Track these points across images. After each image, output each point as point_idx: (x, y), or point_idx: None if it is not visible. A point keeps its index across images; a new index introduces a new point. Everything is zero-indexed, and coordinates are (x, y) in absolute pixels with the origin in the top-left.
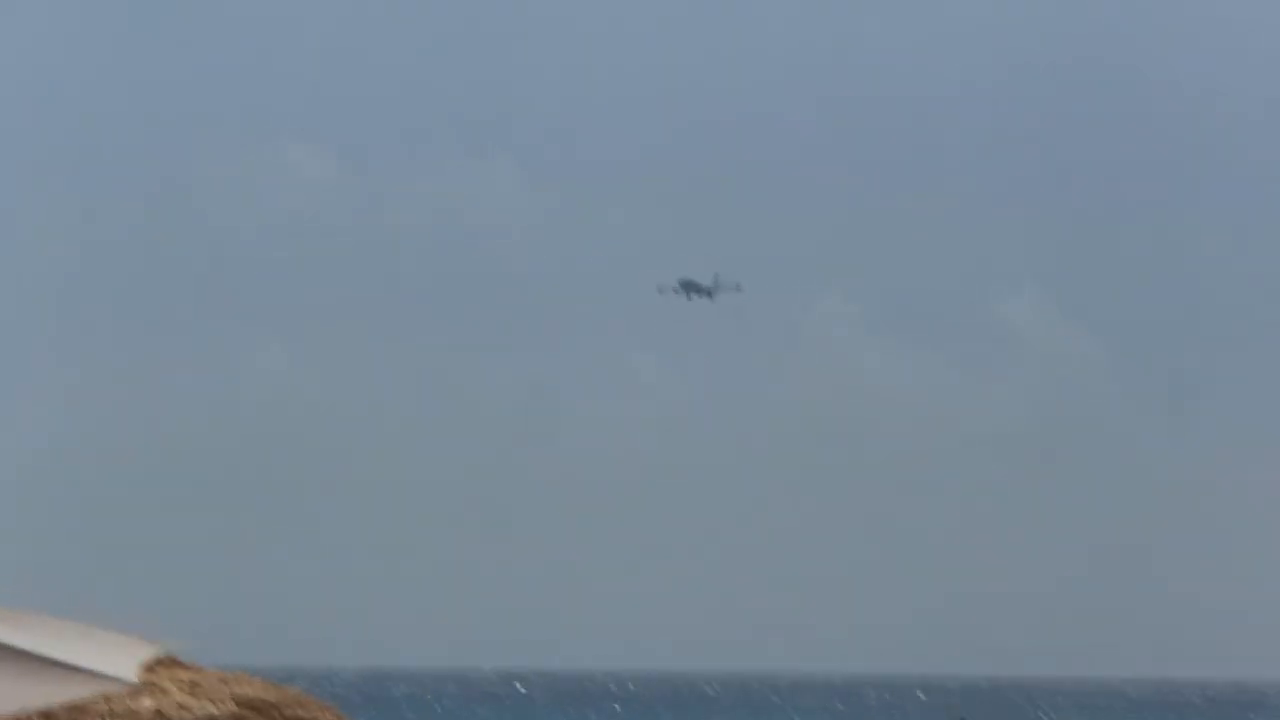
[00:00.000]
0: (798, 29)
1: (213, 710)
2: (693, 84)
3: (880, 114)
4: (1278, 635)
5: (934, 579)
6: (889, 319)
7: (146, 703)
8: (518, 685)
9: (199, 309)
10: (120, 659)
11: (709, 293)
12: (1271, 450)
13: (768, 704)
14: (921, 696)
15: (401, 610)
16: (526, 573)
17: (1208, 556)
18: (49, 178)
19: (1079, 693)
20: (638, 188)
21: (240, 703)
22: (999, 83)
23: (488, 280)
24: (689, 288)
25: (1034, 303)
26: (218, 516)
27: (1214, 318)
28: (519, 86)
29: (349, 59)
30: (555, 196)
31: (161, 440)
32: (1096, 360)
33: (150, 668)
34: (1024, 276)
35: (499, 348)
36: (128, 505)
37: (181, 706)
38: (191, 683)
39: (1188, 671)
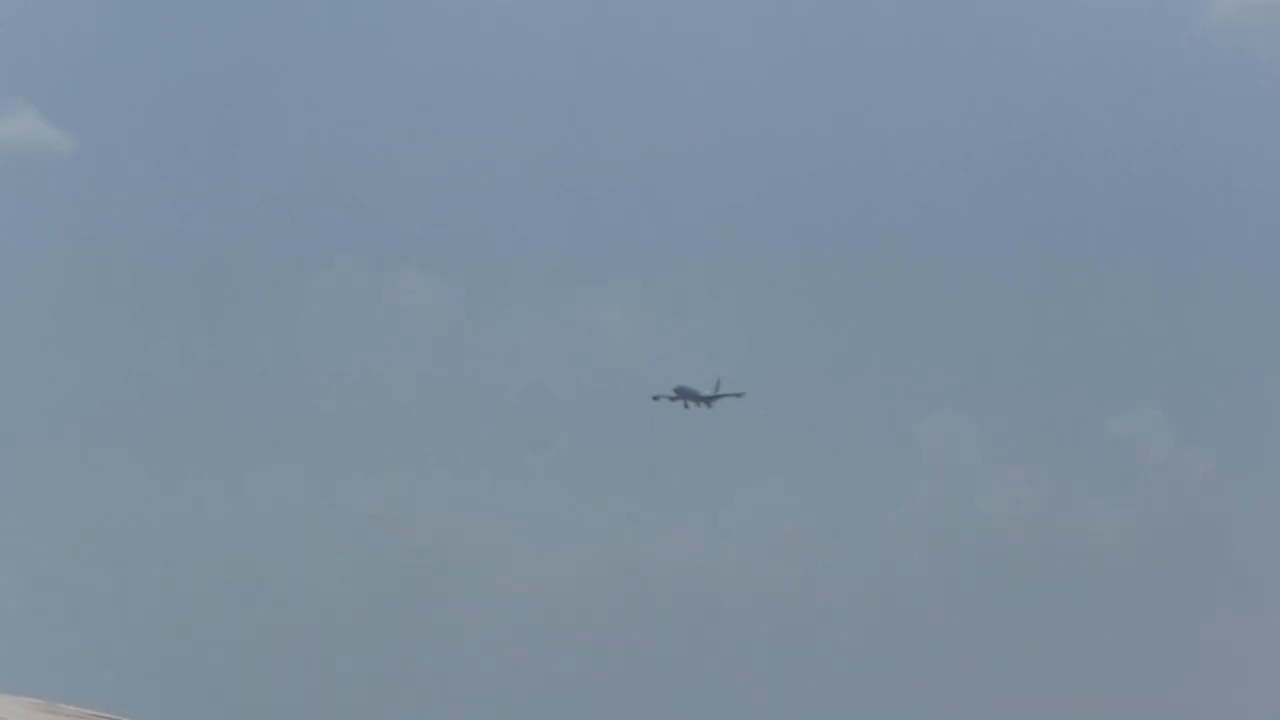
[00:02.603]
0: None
1: None
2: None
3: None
4: None
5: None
6: (1002, 437)
7: None
8: None
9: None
10: None
11: (707, 400)
12: None
13: None
14: None
15: None
16: None
17: None
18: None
19: None
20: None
21: None
22: (1121, 204)
23: None
24: (685, 395)
25: (1147, 419)
26: None
27: None
28: None
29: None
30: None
31: None
32: (1211, 476)
33: None
34: (1136, 392)
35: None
36: None
37: None
38: None
39: None
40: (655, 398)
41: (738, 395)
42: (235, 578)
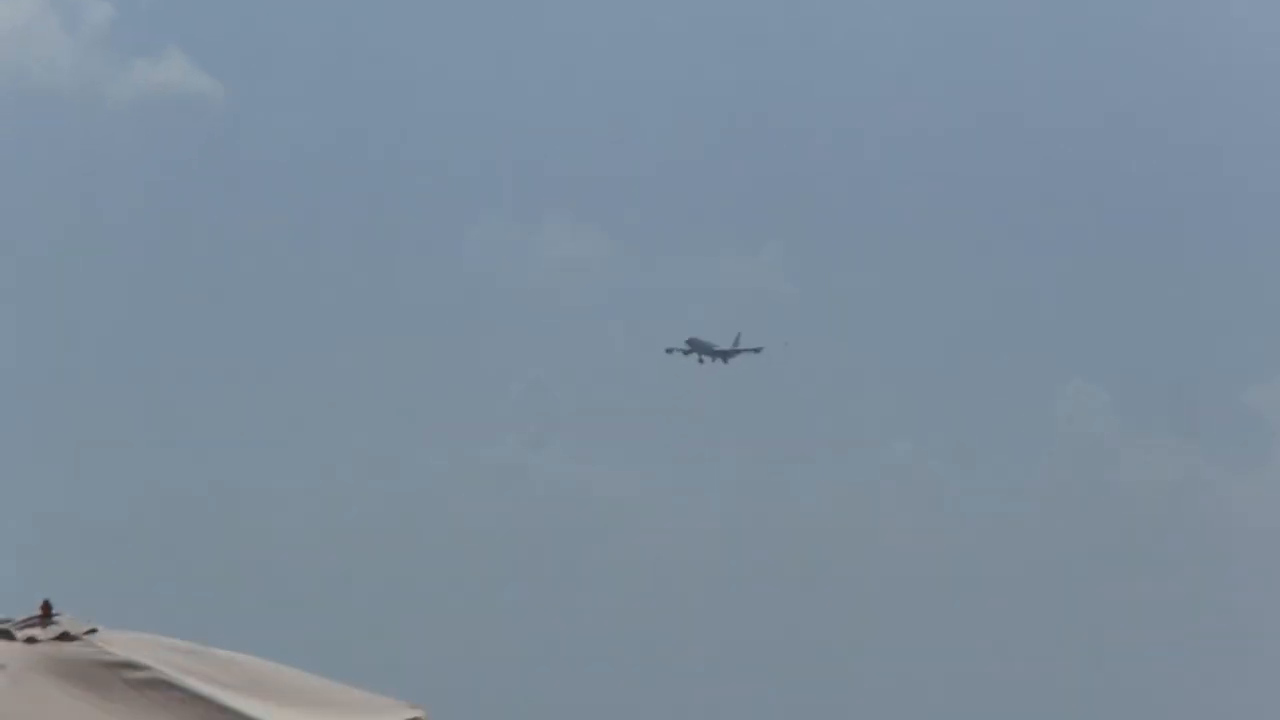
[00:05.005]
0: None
1: None
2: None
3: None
4: None
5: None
6: (1136, 408)
7: None
8: None
9: None
10: None
11: (723, 355)
12: None
13: None
14: None
15: None
16: None
17: None
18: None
19: None
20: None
21: None
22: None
23: None
24: (698, 348)
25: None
26: None
27: None
28: None
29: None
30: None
31: None
32: None
33: None
34: (1273, 363)
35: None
36: None
37: None
38: None
39: None
40: (669, 350)
41: (755, 350)
42: (396, 525)
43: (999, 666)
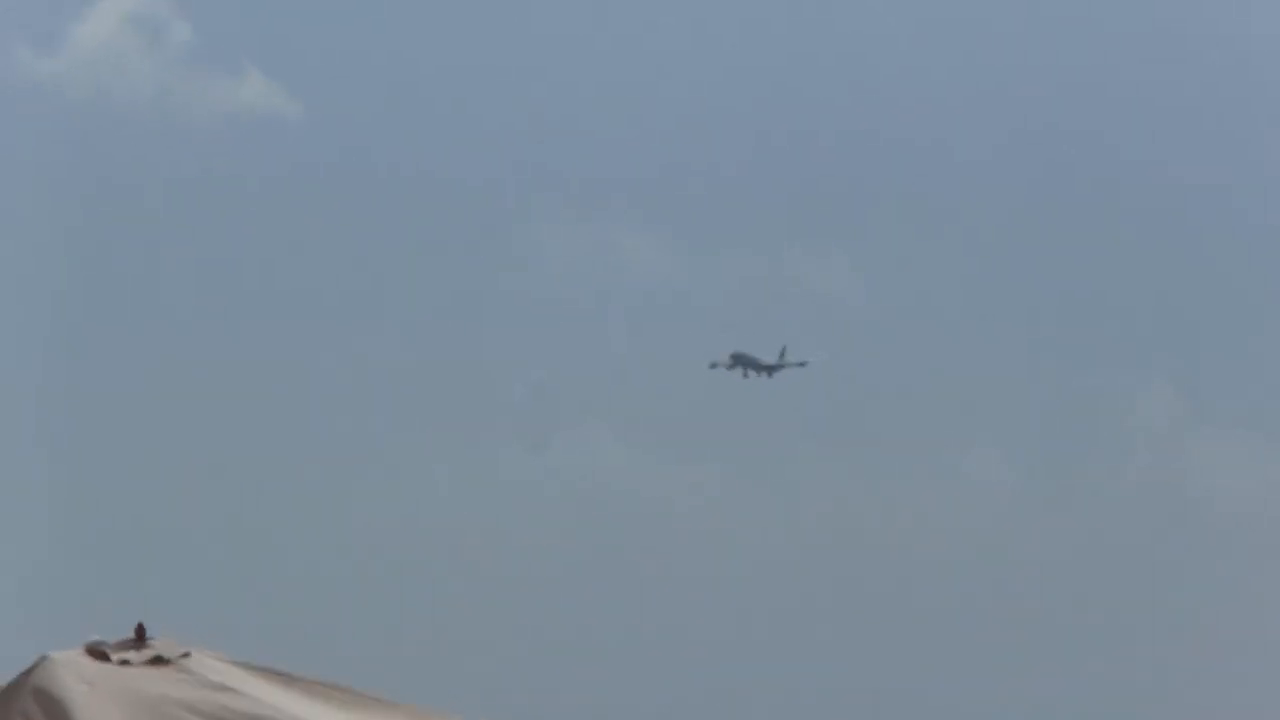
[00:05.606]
0: None
1: None
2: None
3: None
4: None
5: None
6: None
7: None
8: None
9: None
10: None
11: (769, 370)
12: None
13: None
14: None
15: None
16: None
17: None
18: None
19: None
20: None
21: None
22: None
23: None
24: (743, 363)
25: None
26: None
27: None
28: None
29: None
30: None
31: None
32: None
33: None
34: None
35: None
36: None
37: None
38: None
39: None
40: (713, 365)
41: (801, 364)
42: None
43: (1076, 673)
